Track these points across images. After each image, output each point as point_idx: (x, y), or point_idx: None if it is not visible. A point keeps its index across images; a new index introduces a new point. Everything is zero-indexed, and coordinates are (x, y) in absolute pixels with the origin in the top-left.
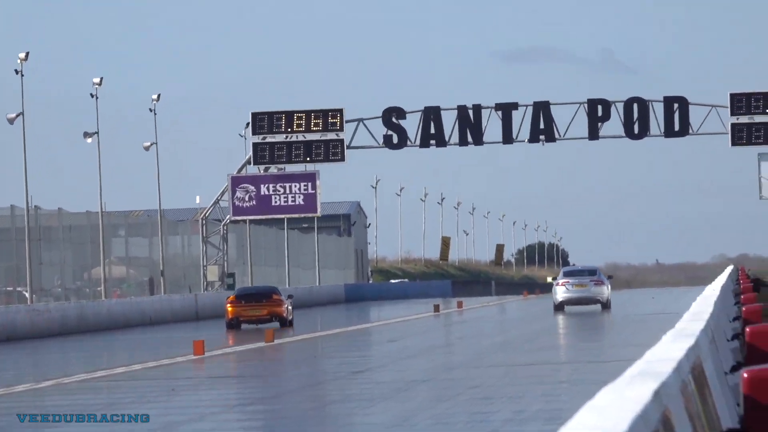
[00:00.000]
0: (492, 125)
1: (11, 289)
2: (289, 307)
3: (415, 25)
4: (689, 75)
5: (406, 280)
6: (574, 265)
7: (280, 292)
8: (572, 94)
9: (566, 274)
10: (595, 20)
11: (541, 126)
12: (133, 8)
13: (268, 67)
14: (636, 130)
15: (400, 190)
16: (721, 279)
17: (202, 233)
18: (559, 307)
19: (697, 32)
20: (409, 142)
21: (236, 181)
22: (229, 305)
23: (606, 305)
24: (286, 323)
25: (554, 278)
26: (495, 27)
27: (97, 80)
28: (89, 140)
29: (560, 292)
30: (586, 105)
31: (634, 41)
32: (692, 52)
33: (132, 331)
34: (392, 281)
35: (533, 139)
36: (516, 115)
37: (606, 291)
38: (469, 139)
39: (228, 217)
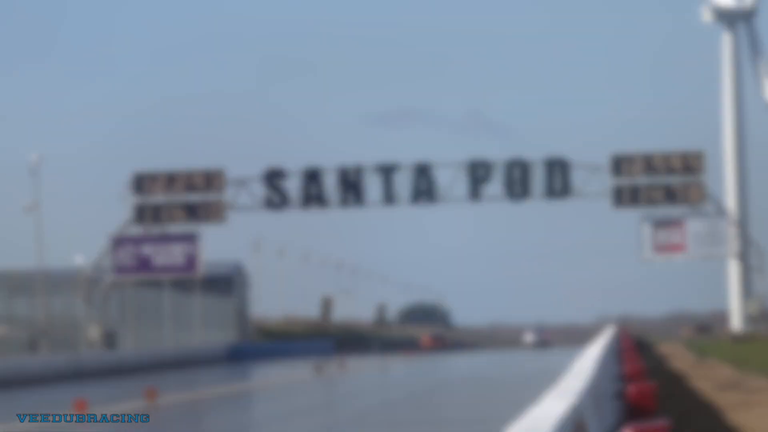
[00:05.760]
0: (372, 186)
1: None
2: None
3: (293, 85)
4: (569, 136)
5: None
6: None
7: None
8: (448, 156)
9: (529, 329)
10: (462, 82)
11: (423, 187)
12: (5, 68)
13: (149, 127)
14: (518, 191)
15: (282, 251)
16: (603, 339)
17: (84, 293)
18: (528, 346)
19: (574, 92)
20: (290, 203)
21: (117, 242)
22: (422, 338)
23: (547, 345)
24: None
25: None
26: (361, 90)
27: None
28: None
29: (528, 338)
30: (467, 166)
31: (505, 102)
32: (572, 113)
33: (13, 391)
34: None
35: (415, 200)
36: (397, 176)
37: (548, 338)
38: (351, 200)
39: (109, 277)
